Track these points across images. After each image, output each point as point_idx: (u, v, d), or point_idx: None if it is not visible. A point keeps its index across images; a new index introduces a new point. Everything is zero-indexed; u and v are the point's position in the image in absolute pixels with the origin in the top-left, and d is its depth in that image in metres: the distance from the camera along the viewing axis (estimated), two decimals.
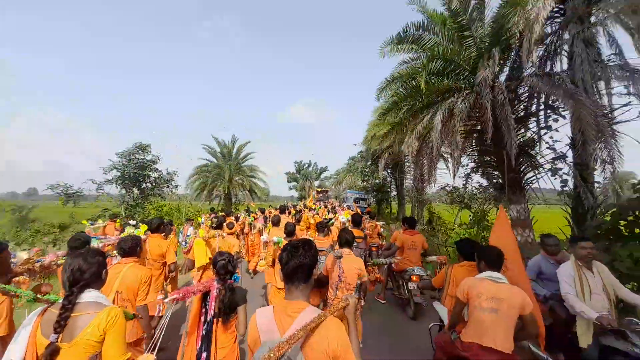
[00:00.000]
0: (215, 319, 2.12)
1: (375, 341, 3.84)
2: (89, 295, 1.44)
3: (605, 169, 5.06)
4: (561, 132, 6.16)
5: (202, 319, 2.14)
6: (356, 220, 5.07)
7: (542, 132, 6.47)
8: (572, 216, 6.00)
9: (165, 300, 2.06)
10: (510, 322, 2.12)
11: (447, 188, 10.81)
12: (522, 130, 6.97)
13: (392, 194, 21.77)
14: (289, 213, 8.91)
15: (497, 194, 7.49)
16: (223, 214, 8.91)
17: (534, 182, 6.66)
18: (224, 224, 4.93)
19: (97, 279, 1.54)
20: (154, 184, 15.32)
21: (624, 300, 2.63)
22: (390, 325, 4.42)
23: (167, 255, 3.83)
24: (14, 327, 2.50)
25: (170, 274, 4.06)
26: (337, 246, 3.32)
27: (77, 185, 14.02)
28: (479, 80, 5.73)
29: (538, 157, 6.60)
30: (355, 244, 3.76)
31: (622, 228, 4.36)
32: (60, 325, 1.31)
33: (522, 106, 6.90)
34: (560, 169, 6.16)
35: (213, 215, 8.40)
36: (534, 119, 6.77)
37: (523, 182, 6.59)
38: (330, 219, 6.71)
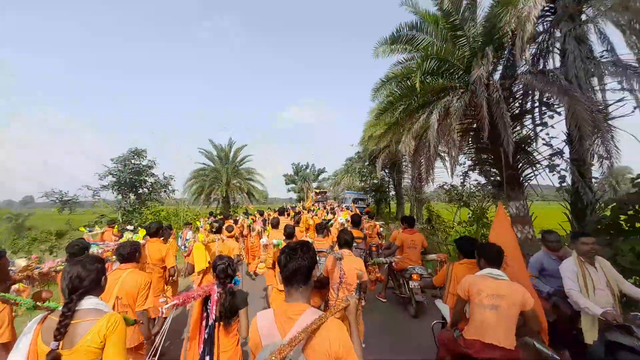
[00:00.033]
0: (216, 323, 2.12)
1: (376, 340, 3.84)
2: (88, 302, 1.44)
3: (603, 164, 5.10)
4: (557, 129, 6.18)
5: (204, 323, 2.14)
6: (355, 221, 5.07)
7: (538, 129, 6.50)
8: (571, 212, 6.01)
9: (166, 306, 2.06)
10: (512, 319, 2.13)
11: (445, 186, 10.85)
12: (518, 128, 7.01)
13: (390, 193, 21.81)
14: (288, 215, 8.89)
15: (496, 191, 7.53)
16: (222, 217, 8.89)
17: (532, 178, 6.68)
18: (224, 227, 4.92)
19: (96, 286, 1.54)
20: (150, 189, 15.28)
21: (627, 295, 2.61)
22: (392, 324, 4.43)
23: (167, 260, 3.82)
24: (15, 334, 2.48)
25: (171, 278, 4.05)
26: (336, 247, 3.32)
27: (72, 192, 13.97)
28: (474, 78, 5.75)
29: (535, 154, 6.63)
30: (355, 244, 3.76)
31: (623, 222, 4.37)
32: (61, 332, 1.30)
33: (517, 104, 6.93)
34: (558, 165, 6.18)
35: (213, 219, 8.37)
36: (530, 116, 6.79)
37: (521, 178, 6.61)
38: (329, 220, 6.70)
